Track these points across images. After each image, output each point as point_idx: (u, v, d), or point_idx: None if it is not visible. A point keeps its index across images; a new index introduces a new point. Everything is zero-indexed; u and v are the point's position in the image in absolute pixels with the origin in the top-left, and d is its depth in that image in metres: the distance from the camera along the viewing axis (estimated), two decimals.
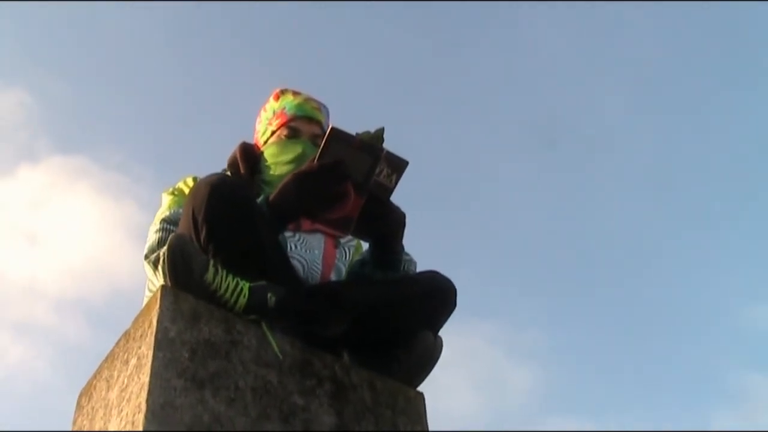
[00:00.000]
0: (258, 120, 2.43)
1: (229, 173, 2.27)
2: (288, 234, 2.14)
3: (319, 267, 2.14)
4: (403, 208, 2.09)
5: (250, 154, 2.30)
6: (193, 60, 11.48)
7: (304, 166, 1.99)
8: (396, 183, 2.05)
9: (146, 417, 1.53)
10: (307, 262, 2.12)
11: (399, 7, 10.52)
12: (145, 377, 1.60)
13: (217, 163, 2.42)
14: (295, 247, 2.13)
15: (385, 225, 2.06)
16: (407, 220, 2.08)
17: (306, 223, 2.19)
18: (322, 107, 2.40)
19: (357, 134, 2.00)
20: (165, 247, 1.79)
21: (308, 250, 2.15)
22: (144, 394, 1.57)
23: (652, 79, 11.14)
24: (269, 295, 1.82)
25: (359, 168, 1.98)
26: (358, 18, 11.13)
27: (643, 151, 11.18)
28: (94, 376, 1.86)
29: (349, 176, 1.97)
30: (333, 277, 2.18)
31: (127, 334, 1.79)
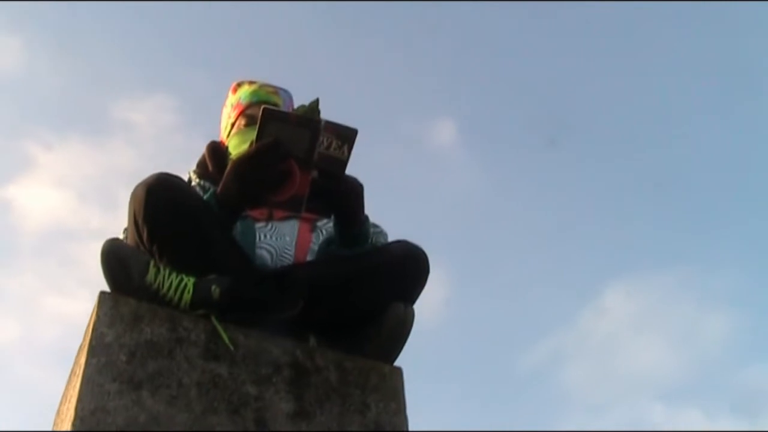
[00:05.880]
0: (221, 117, 2.40)
1: (197, 173, 2.24)
2: (259, 225, 2.09)
3: (291, 253, 2.07)
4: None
5: (216, 152, 2.27)
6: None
7: (240, 152, 1.93)
8: (349, 153, 1.95)
9: (73, 424, 1.52)
10: (276, 250, 2.05)
11: (399, 5, 10.28)
12: (78, 385, 1.59)
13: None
14: (265, 236, 2.07)
15: (341, 198, 1.97)
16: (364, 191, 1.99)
17: (278, 212, 2.14)
18: (279, 90, 2.34)
19: (292, 109, 1.92)
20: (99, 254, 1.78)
21: (278, 238, 2.08)
22: (74, 402, 1.56)
23: (654, 78, 10.62)
24: (213, 287, 1.77)
25: (299, 144, 1.90)
26: (360, 15, 10.92)
27: (646, 151, 10.63)
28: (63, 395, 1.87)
29: (290, 154, 1.90)
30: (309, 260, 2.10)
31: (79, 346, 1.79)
